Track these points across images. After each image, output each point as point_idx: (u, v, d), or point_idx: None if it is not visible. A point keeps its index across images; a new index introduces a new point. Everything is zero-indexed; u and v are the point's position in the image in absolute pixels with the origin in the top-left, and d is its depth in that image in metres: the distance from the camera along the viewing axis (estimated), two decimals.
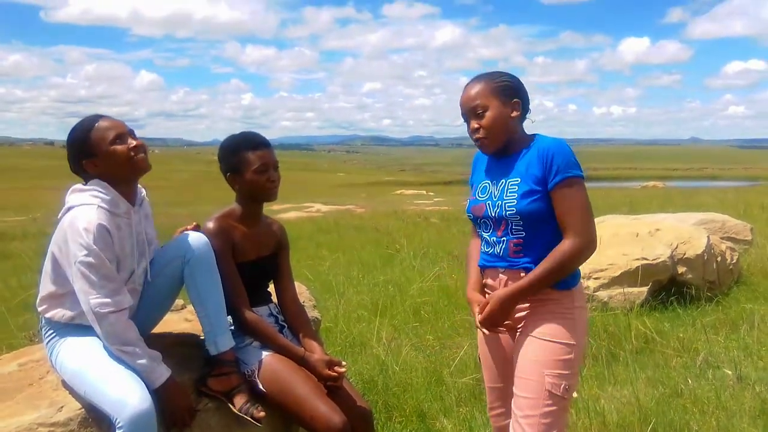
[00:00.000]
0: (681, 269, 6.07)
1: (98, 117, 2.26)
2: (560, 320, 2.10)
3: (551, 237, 2.11)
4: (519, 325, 2.19)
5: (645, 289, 5.81)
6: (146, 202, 2.43)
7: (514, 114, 2.15)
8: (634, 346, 4.56)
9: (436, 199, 29.42)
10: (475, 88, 2.16)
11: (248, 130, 2.58)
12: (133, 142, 2.24)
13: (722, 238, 7.41)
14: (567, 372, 2.06)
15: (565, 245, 2.04)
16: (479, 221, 2.25)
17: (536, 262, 2.10)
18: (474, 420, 3.50)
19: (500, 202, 2.13)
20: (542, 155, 2.08)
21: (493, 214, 2.16)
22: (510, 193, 2.12)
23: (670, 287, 6.01)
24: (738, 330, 5.01)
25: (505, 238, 2.15)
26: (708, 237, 6.49)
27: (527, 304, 2.14)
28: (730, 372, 4.02)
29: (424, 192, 40.80)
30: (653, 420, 3.18)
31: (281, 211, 19.13)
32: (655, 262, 5.90)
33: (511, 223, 2.12)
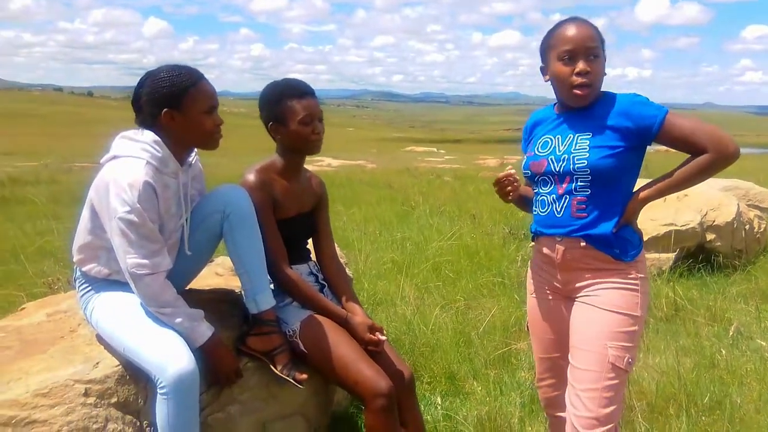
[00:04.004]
0: (710, 236, 5.94)
1: (202, 77, 2.12)
2: (625, 291, 1.98)
3: (617, 197, 1.99)
4: (577, 295, 2.07)
5: (672, 255, 5.69)
6: (197, 162, 2.31)
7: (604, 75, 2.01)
8: (665, 314, 4.47)
9: (447, 157, 29.16)
10: (590, 29, 1.98)
11: (291, 77, 2.43)
12: (220, 120, 2.15)
13: (747, 206, 7.24)
14: (631, 345, 1.95)
15: (702, 157, 1.91)
16: (537, 179, 2.09)
17: (597, 223, 1.98)
18: (504, 384, 3.44)
19: (567, 156, 1.98)
20: (627, 109, 1.95)
21: (558, 169, 2.01)
22: (579, 147, 1.97)
23: (696, 254, 5.89)
24: None
25: (567, 196, 2.01)
26: (738, 204, 6.33)
27: (589, 275, 2.03)
28: (764, 344, 3.94)
29: (435, 149, 40.46)
30: (692, 391, 3.10)
31: None
32: (683, 228, 5.77)
33: (577, 179, 1.97)
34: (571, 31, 1.97)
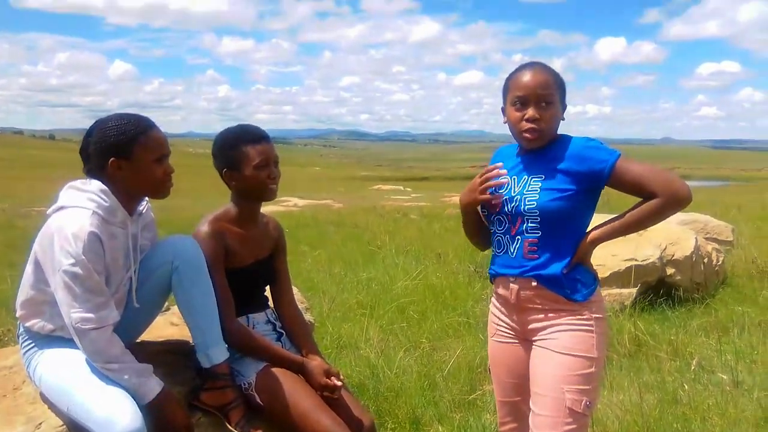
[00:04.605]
0: (669, 270, 6.04)
1: (152, 125, 2.09)
2: (580, 332, 1.98)
3: (568, 239, 2.01)
4: (534, 338, 2.06)
5: (634, 290, 5.76)
6: (148, 211, 2.26)
7: (562, 120, 2.05)
8: (628, 350, 4.48)
9: (413, 195, 29.33)
10: (545, 76, 2.00)
11: (244, 123, 2.39)
12: (171, 168, 2.11)
13: (705, 239, 7.40)
14: (588, 387, 1.94)
15: (652, 201, 1.94)
16: (493, 218, 2.12)
17: (548, 265, 1.99)
18: (469, 427, 3.39)
19: (519, 197, 2.01)
20: (578, 153, 1.98)
21: (510, 209, 2.04)
22: (531, 189, 2.00)
23: (657, 288, 5.97)
24: (728, 333, 4.96)
25: (519, 237, 2.03)
26: (696, 238, 6.46)
27: (542, 315, 2.02)
28: (725, 377, 3.97)
29: (401, 187, 40.68)
30: (655, 428, 3.10)
31: None
32: (644, 263, 5.86)
33: (528, 219, 2.00)
34: (525, 77, 2.01)
